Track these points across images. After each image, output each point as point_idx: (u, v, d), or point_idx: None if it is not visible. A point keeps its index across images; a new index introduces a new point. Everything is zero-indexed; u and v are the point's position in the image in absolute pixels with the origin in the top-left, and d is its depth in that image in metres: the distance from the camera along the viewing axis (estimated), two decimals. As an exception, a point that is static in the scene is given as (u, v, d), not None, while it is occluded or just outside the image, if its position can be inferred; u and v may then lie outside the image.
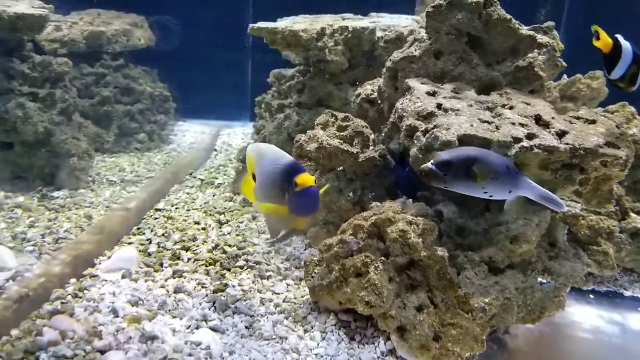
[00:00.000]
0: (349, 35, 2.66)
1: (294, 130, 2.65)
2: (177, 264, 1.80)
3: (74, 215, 2.24)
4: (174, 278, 1.68)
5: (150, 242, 2.00)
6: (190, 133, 4.49)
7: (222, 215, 2.37)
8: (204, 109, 4.85)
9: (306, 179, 1.27)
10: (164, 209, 2.43)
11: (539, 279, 1.60)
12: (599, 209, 1.77)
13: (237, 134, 4.57)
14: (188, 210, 2.44)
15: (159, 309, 1.46)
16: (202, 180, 3.05)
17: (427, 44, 1.91)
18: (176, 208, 2.46)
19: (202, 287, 1.64)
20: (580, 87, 3.13)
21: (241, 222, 2.29)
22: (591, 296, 1.93)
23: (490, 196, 1.34)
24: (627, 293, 1.95)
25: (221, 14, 4.69)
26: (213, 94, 4.78)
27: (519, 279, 1.52)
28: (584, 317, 1.80)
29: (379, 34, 2.67)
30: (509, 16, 1.81)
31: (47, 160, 2.59)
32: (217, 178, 3.10)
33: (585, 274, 2.01)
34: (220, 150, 4.02)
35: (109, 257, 1.78)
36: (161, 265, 1.78)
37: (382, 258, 1.37)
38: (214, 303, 1.53)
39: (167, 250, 1.93)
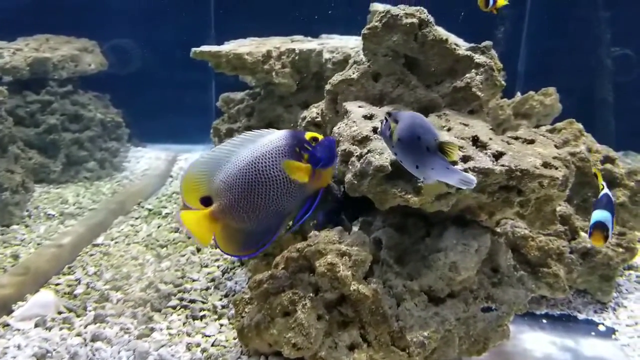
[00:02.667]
0: (297, 57, 2.61)
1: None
2: (103, 307, 1.67)
3: (0, 255, 2.09)
4: (95, 324, 1.55)
5: (79, 283, 1.86)
6: (145, 159, 4.35)
7: (164, 249, 2.25)
8: (165, 133, 4.73)
9: (313, 133, 1.22)
10: (102, 244, 2.29)
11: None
12: (542, 231, 1.73)
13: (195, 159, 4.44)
14: (128, 244, 2.31)
15: (68, 362, 1.33)
16: (149, 210, 2.91)
17: (365, 67, 1.87)
18: (116, 242, 2.32)
19: (126, 332, 1.51)
20: (534, 104, 3.15)
21: (183, 256, 2.17)
22: (544, 320, 1.87)
23: (401, 161, 1.25)
24: (581, 316, 1.90)
25: (182, 35, 4.62)
26: (175, 117, 4.68)
27: (460, 308, 1.45)
28: (536, 344, 1.73)
29: (326, 55, 2.62)
30: (445, 37, 1.78)
31: (-24, 195, 2.44)
32: (166, 207, 2.97)
33: (538, 297, 1.98)
34: (176, 176, 3.89)
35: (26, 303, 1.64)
36: (85, 309, 1.65)
37: (311, 294, 1.28)
38: (134, 351, 1.40)
39: (96, 291, 1.79)
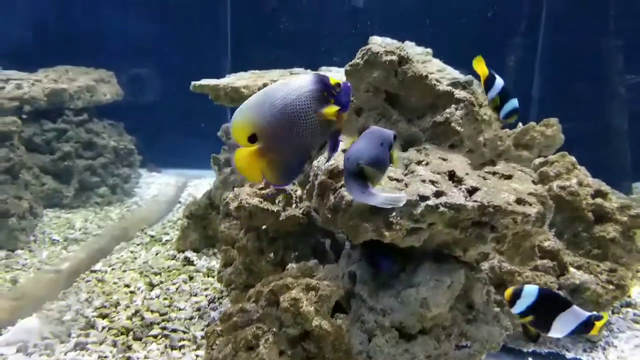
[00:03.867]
0: (293, 89, 2.68)
1: (239, 184, 2.62)
2: (87, 334, 1.72)
3: (0, 279, 2.17)
4: (75, 351, 1.60)
5: (69, 309, 1.91)
6: (156, 185, 4.47)
7: (158, 276, 2.30)
8: (181, 159, 4.87)
9: (337, 80, 1.25)
10: (99, 270, 2.36)
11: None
12: (529, 266, 1.71)
13: (203, 185, 4.54)
14: (124, 271, 2.37)
15: (41, 390, 1.38)
16: (152, 237, 2.98)
17: (348, 101, 1.91)
18: (112, 269, 2.39)
19: (103, 360, 1.55)
20: (534, 135, 3.12)
21: (174, 284, 2.21)
22: (530, 359, 1.83)
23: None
24: (569, 355, 1.84)
25: (200, 64, 4.79)
26: (190, 143, 4.83)
27: (431, 345, 1.44)
28: (520, 382, 1.70)
29: (322, 88, 2.68)
30: (424, 73, 1.81)
31: (-14, 220, 2.56)
32: (168, 234, 3.03)
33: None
34: (184, 202, 3.97)
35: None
36: (69, 335, 1.70)
37: (275, 330, 1.29)
38: (107, 380, 1.45)
39: (84, 317, 1.85)
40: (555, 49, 4.63)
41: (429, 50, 3.31)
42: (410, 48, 3.38)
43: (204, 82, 2.63)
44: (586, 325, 1.37)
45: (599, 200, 2.00)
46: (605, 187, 2.07)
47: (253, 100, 1.23)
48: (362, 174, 1.15)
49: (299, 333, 1.30)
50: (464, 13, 4.56)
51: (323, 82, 1.23)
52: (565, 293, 1.86)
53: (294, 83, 1.23)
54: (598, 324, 1.36)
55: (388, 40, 3.37)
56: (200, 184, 4.59)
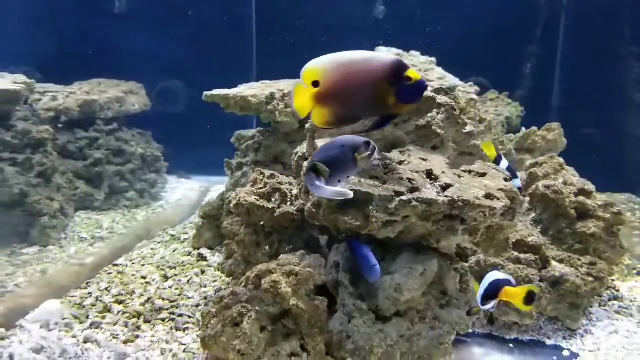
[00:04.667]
0: (299, 98, 2.85)
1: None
2: (104, 317, 1.93)
3: (32, 270, 2.43)
4: (91, 329, 1.81)
5: (90, 296, 2.14)
6: (180, 190, 4.72)
7: (173, 270, 2.50)
8: (210, 166, 5.10)
9: (415, 73, 1.40)
10: (121, 264, 2.59)
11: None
12: (496, 258, 1.82)
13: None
14: (143, 265, 2.59)
15: (59, 357, 1.58)
16: (172, 235, 3.21)
17: (340, 107, 2.07)
18: (132, 263, 2.61)
19: (114, 337, 1.75)
20: (536, 139, 3.22)
21: (187, 277, 2.41)
22: (512, 345, 1.93)
23: None
24: (550, 342, 1.94)
25: (227, 74, 5.06)
26: (218, 151, 5.09)
27: (404, 326, 1.57)
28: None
29: (326, 95, 2.85)
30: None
31: (22, 219, 2.83)
32: (187, 234, 3.25)
33: (510, 323, 2.04)
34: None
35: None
36: (87, 317, 1.92)
37: (257, 308, 1.46)
38: (116, 352, 1.64)
39: (102, 303, 2.07)
40: (573, 57, 4.67)
41: (433, 59, 3.43)
42: (415, 57, 3.51)
43: (215, 92, 2.85)
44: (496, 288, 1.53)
45: (581, 198, 2.08)
46: (589, 187, 2.15)
47: (332, 56, 1.42)
48: (315, 169, 1.31)
49: (279, 312, 1.46)
50: (479, 20, 4.65)
51: (398, 68, 1.38)
52: (546, 285, 1.96)
53: (373, 57, 1.41)
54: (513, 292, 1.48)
55: (394, 50, 3.52)
56: (222, 188, 4.82)
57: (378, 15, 5.02)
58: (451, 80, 2.97)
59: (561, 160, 2.31)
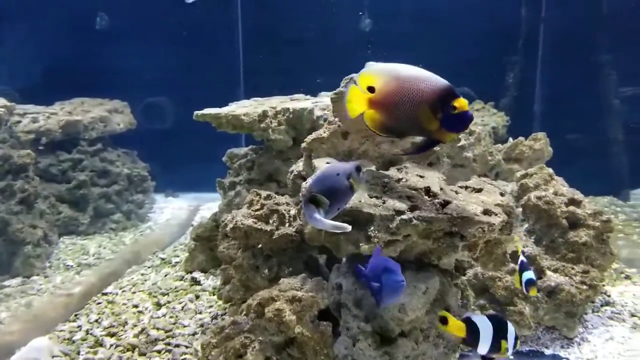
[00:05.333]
0: (291, 115, 2.84)
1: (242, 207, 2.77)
2: (96, 352, 1.87)
3: (15, 304, 2.34)
4: (83, 366, 1.75)
5: (80, 329, 2.07)
6: (169, 209, 4.65)
7: (165, 297, 2.45)
8: (198, 183, 5.04)
9: (463, 102, 1.38)
10: (110, 293, 2.52)
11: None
12: (495, 271, 1.82)
13: (216, 208, 4.69)
14: (134, 292, 2.52)
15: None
16: (162, 259, 3.14)
17: (335, 126, 2.06)
18: (123, 291, 2.54)
19: (110, 374, 1.70)
20: (523, 149, 3.26)
21: (180, 303, 2.36)
22: (511, 357, 1.93)
23: None
24: (548, 351, 1.96)
25: (213, 90, 5.02)
26: (206, 168, 5.03)
27: (409, 347, 1.56)
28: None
29: (318, 113, 2.85)
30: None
31: (3, 248, 2.74)
32: (178, 256, 3.19)
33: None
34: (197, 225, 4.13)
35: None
36: (78, 353, 1.85)
37: (261, 338, 1.43)
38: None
39: (93, 337, 2.00)
40: (553, 66, 4.78)
41: (421, 72, 3.46)
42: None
43: (206, 111, 2.82)
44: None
45: (572, 207, 2.11)
46: (579, 196, 2.18)
47: (390, 66, 1.46)
48: (314, 200, 1.30)
49: (283, 340, 1.43)
50: (463, 33, 4.72)
51: (444, 95, 1.38)
52: (542, 295, 1.97)
53: (427, 77, 1.41)
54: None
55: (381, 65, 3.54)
56: (213, 207, 4.74)
57: (364, 28, 5.07)
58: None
59: (550, 170, 2.35)
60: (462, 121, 1.41)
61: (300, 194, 1.42)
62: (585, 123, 4.65)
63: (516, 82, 4.96)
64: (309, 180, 1.39)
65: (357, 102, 1.50)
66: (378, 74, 1.46)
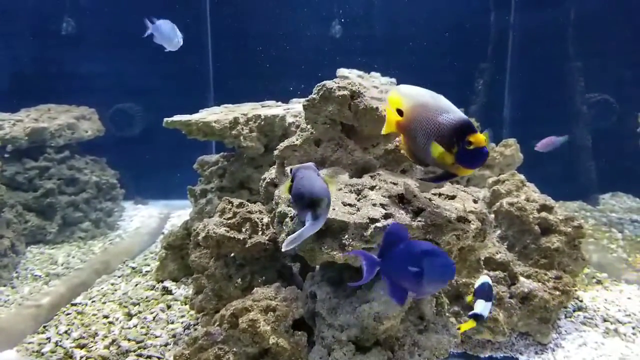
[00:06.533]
0: (262, 122, 2.83)
1: (214, 215, 2.73)
2: (64, 364, 1.81)
3: (-19, 317, 2.25)
4: (53, 380, 1.69)
5: (48, 341, 2.00)
6: (139, 217, 4.55)
7: (136, 307, 2.39)
8: (167, 191, 4.96)
9: (480, 138, 1.34)
10: (79, 303, 2.44)
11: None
12: (469, 278, 1.84)
13: (187, 216, 4.62)
14: (104, 303, 2.45)
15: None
16: (133, 268, 3.07)
17: (307, 133, 2.05)
18: (92, 301, 2.47)
19: (79, 388, 1.64)
20: (494, 155, 3.32)
21: (152, 313, 2.31)
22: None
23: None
24: (522, 357, 1.98)
25: (183, 98, 4.95)
26: (176, 175, 4.94)
27: (385, 356, 1.55)
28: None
29: (289, 120, 2.84)
30: (375, 105, 1.97)
31: (-32, 260, 2.64)
32: (148, 265, 3.12)
33: (484, 341, 2.06)
34: (167, 234, 4.05)
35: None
36: (47, 367, 1.79)
37: (235, 349, 1.40)
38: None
39: (63, 349, 1.93)
40: (521, 73, 4.90)
41: (393, 80, 3.50)
42: (376, 78, 3.58)
43: (176, 118, 2.77)
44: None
45: (544, 214, 2.15)
46: (550, 202, 2.22)
47: (417, 91, 1.46)
48: (315, 204, 1.33)
49: (258, 351, 1.41)
50: (432, 39, 4.80)
51: (460, 130, 1.33)
52: (516, 301, 2.00)
53: (446, 108, 1.39)
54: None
55: (355, 71, 3.57)
56: (184, 214, 4.67)
57: (335, 34, 5.09)
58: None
59: (522, 177, 2.39)
60: (478, 158, 1.37)
61: (293, 201, 1.41)
62: (555, 129, 4.78)
63: (485, 89, 5.06)
64: (301, 188, 1.38)
65: (390, 122, 1.53)
66: (405, 97, 1.47)
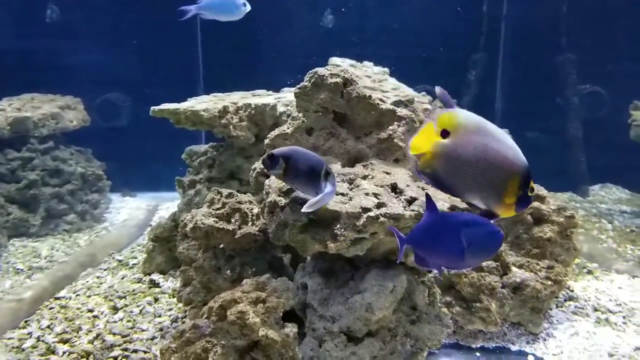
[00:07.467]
0: (253, 111, 2.77)
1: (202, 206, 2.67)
2: None
3: (-40, 311, 2.18)
4: (33, 376, 1.63)
5: (30, 336, 1.94)
6: (126, 210, 4.47)
7: (122, 300, 2.33)
8: (156, 182, 4.87)
9: (534, 187, 1.28)
10: (63, 297, 2.38)
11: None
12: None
13: (175, 208, 4.55)
14: (89, 296, 2.39)
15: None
16: (119, 261, 3.00)
17: (299, 122, 2.00)
18: (77, 295, 2.41)
19: (62, 384, 1.59)
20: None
21: (138, 306, 2.25)
22: (478, 354, 1.94)
23: (303, 192, 1.51)
24: (514, 348, 1.97)
25: (173, 87, 4.85)
26: (165, 166, 4.86)
27: (376, 347, 1.52)
28: (468, 377, 1.80)
29: (280, 109, 2.78)
30: (368, 93, 1.92)
31: (-53, 253, 2.56)
32: (135, 258, 3.06)
33: (475, 331, 2.04)
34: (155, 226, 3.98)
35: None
36: (28, 362, 1.73)
37: (223, 342, 1.36)
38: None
39: (45, 344, 1.87)
40: (514, 64, 4.89)
41: (386, 69, 3.45)
42: (369, 68, 3.52)
43: (164, 106, 2.70)
44: None
45: (536, 203, 2.13)
46: (543, 192, 2.20)
47: (477, 118, 1.28)
48: (329, 172, 1.37)
49: (247, 344, 1.36)
50: (424, 30, 4.76)
51: (528, 174, 1.24)
52: (508, 291, 1.98)
53: (510, 145, 1.25)
54: None
55: (347, 60, 3.51)
56: (173, 206, 4.59)
57: (327, 24, 5.03)
58: (406, 90, 3.00)
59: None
60: (529, 204, 1.29)
61: (302, 178, 1.44)
62: (546, 120, 4.78)
63: (478, 80, 5.04)
64: (307, 161, 1.42)
65: (424, 141, 1.31)
66: (462, 120, 1.27)
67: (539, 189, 2.23)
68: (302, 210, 1.38)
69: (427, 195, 1.24)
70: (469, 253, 1.13)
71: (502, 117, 5.02)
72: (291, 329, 1.42)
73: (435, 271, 1.56)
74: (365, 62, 3.47)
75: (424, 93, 3.00)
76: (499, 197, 1.26)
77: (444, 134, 1.29)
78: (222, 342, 1.35)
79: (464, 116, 1.28)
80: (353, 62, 3.45)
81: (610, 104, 4.62)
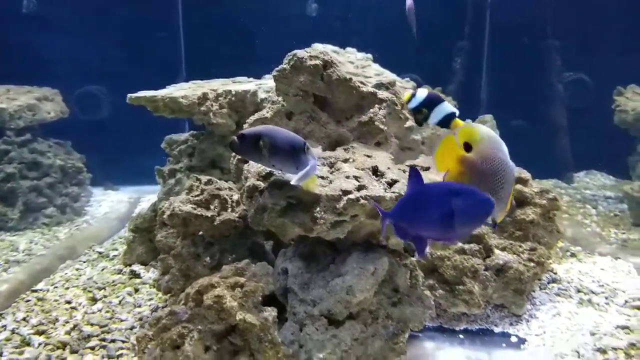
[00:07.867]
0: (233, 98, 2.72)
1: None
2: (22, 352, 1.70)
3: None
4: (6, 368, 1.59)
5: (4, 329, 1.88)
6: (108, 202, 4.39)
7: (102, 291, 2.28)
8: (138, 175, 4.79)
9: None
10: (40, 290, 2.32)
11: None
12: (443, 250, 1.80)
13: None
14: (67, 288, 2.33)
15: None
16: (100, 253, 2.94)
17: (278, 106, 1.97)
18: (55, 287, 2.35)
19: (35, 375, 1.54)
20: (470, 130, 3.27)
21: (118, 297, 2.20)
22: (462, 336, 1.93)
23: (281, 170, 1.47)
24: (497, 329, 1.96)
25: (154, 78, 4.76)
26: (147, 158, 4.77)
27: (357, 329, 1.50)
28: (451, 358, 1.79)
29: (262, 95, 2.74)
30: (349, 76, 1.89)
31: None
32: (116, 249, 3.00)
33: (459, 314, 2.04)
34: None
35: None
36: (1, 354, 1.67)
37: (200, 327, 1.33)
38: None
39: (20, 336, 1.82)
40: (499, 52, 4.88)
41: (369, 55, 3.41)
42: (352, 54, 3.48)
43: (141, 94, 2.64)
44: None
45: (518, 186, 2.13)
46: (525, 175, 2.20)
47: (497, 137, 1.26)
48: (308, 147, 1.37)
49: (224, 328, 1.33)
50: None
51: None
52: (491, 273, 1.97)
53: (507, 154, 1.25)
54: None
55: (329, 46, 3.47)
56: (154, 198, 4.53)
57: (311, 12, 4.97)
58: (389, 76, 2.97)
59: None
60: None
61: (281, 155, 1.40)
62: (531, 108, 4.79)
63: (463, 68, 5.03)
64: (288, 140, 1.40)
65: (447, 156, 1.28)
66: (484, 135, 1.26)
67: (522, 172, 2.22)
68: (292, 182, 1.39)
69: (412, 168, 1.21)
70: (459, 222, 1.09)
71: (488, 104, 5.03)
72: (270, 312, 1.39)
73: (417, 255, 1.55)
74: (348, 48, 3.43)
75: (407, 79, 2.97)
76: (505, 205, 1.27)
77: (467, 148, 1.27)
78: (199, 327, 1.32)
79: (486, 130, 1.28)
80: (336, 48, 3.41)
81: (595, 91, 4.64)
